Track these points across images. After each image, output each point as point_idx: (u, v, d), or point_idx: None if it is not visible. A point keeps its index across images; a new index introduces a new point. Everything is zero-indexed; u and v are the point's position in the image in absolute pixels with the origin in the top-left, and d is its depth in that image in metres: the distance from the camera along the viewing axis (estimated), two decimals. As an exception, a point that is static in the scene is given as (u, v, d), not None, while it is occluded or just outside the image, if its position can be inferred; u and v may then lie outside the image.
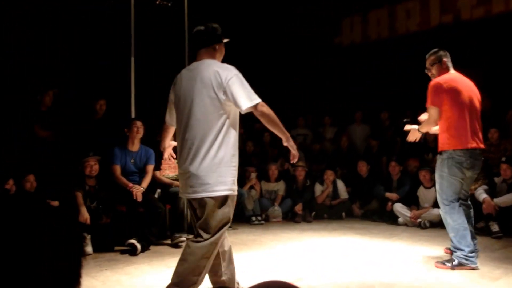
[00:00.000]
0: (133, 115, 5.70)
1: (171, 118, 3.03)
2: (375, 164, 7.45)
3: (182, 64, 6.28)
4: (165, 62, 6.17)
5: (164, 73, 6.11)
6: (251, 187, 6.90)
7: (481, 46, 7.45)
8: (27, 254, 0.61)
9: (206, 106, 2.65)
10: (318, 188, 7.10)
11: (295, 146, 2.80)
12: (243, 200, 6.54)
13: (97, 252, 4.60)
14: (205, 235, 2.67)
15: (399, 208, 6.31)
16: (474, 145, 3.86)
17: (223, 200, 2.67)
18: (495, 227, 5.30)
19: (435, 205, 5.80)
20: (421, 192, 6.30)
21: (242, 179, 6.83)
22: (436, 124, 4.01)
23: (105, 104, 5.88)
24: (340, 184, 7.14)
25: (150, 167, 5.25)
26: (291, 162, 2.90)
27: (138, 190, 4.91)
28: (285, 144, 2.80)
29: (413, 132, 4.18)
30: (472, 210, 4.12)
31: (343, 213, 7.06)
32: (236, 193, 2.76)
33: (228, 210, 2.71)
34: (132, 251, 4.57)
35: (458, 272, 3.72)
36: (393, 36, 8.91)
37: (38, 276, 0.62)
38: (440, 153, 3.99)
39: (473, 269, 3.78)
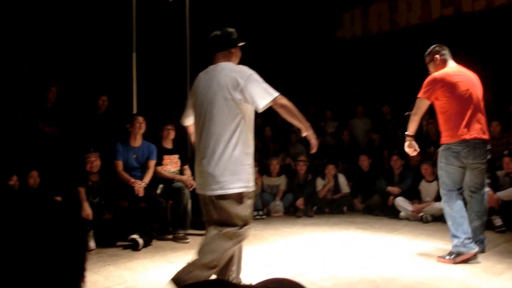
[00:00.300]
0: (135, 111, 5.71)
1: (185, 119, 3.18)
2: (377, 158, 7.45)
3: (183, 60, 6.29)
4: (167, 57, 6.17)
5: (166, 69, 6.15)
6: (253, 182, 6.89)
7: (483, 39, 7.41)
8: (31, 249, 0.62)
9: (221, 107, 2.72)
10: (319, 182, 7.11)
11: (314, 136, 2.85)
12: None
13: (100, 247, 4.63)
14: (221, 229, 2.73)
15: (400, 202, 6.31)
16: (474, 135, 3.85)
17: (238, 197, 2.73)
18: (498, 221, 5.29)
19: (437, 199, 5.80)
20: (423, 186, 6.29)
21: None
22: (421, 117, 4.07)
23: (108, 100, 5.89)
24: (342, 179, 7.14)
25: (152, 163, 5.26)
26: (311, 152, 2.93)
27: (139, 186, 4.92)
28: (304, 134, 2.84)
29: (409, 145, 4.12)
30: (482, 205, 4.09)
31: (345, 208, 7.07)
32: (252, 189, 2.80)
33: (244, 207, 2.76)
34: (134, 246, 4.60)
35: (460, 267, 3.72)
36: (394, 29, 8.88)
37: (43, 271, 0.63)
38: (440, 146, 4.05)
39: (473, 255, 3.80)
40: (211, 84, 2.78)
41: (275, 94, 2.70)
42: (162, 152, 5.46)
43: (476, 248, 3.84)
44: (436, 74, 3.98)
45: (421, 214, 6.04)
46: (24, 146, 5.08)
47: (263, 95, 2.68)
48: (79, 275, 0.71)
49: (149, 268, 3.94)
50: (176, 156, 5.59)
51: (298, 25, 9.48)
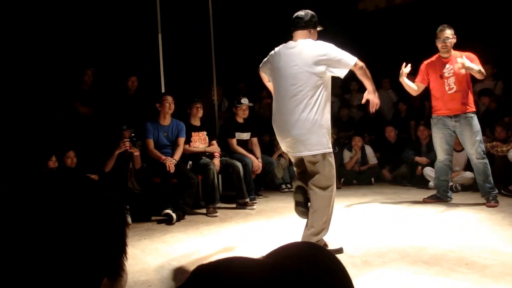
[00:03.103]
0: (163, 90, 5.81)
1: (262, 71, 3.58)
2: (404, 129, 7.37)
3: (207, 38, 6.33)
4: (191, 37, 6.22)
5: (191, 48, 6.19)
6: (280, 155, 6.96)
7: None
8: (73, 227, 0.63)
9: (306, 81, 3.11)
10: (346, 154, 7.12)
11: (377, 96, 3.34)
12: (273, 169, 6.62)
13: (135, 222, 4.81)
14: (315, 189, 3.21)
15: (429, 172, 6.24)
16: None
17: (319, 157, 3.14)
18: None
19: (466, 168, 5.77)
20: (453, 155, 6.19)
21: (270, 148, 6.90)
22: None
23: (137, 81, 6.02)
24: (369, 150, 7.13)
25: (182, 140, 5.38)
26: (371, 110, 3.38)
27: (171, 162, 5.06)
28: (368, 95, 3.32)
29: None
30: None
31: (373, 179, 7.07)
32: (328, 150, 3.19)
33: (322, 164, 3.15)
34: (168, 221, 4.76)
35: (494, 234, 3.72)
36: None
37: (87, 248, 0.64)
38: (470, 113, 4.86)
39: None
40: (294, 59, 3.16)
41: (353, 62, 3.11)
42: (191, 129, 5.57)
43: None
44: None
45: (450, 183, 5.97)
46: (62, 127, 5.30)
47: (343, 64, 3.10)
48: (121, 251, 0.74)
49: (183, 240, 4.08)
50: (204, 132, 5.70)
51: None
